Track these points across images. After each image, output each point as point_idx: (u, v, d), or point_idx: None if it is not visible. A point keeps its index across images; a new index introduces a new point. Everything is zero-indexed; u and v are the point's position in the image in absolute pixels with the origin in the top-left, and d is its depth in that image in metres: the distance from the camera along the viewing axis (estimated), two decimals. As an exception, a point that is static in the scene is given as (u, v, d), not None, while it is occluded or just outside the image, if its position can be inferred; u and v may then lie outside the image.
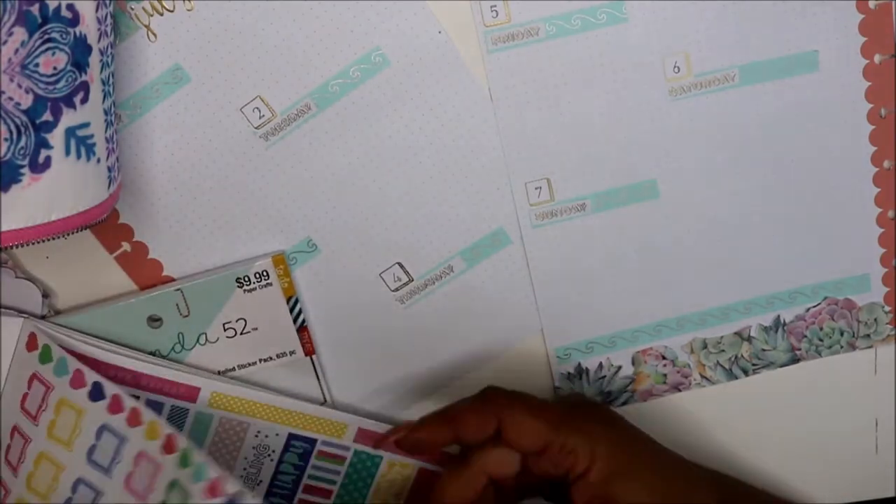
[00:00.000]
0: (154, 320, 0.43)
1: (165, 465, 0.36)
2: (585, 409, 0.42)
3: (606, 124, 0.43)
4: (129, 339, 0.43)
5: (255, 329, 0.43)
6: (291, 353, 0.44)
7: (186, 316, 0.43)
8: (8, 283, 0.42)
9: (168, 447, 0.36)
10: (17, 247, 0.34)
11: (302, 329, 0.44)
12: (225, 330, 0.43)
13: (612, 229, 0.44)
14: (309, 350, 0.44)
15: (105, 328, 0.43)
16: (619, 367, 0.46)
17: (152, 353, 0.43)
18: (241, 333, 0.43)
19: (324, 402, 0.45)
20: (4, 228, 0.33)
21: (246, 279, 0.43)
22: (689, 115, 0.43)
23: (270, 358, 0.44)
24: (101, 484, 0.38)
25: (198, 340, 0.43)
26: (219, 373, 0.44)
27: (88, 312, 0.43)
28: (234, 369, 0.44)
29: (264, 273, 0.43)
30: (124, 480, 0.37)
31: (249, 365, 0.44)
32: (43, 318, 0.43)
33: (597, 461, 0.38)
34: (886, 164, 0.44)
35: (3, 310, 0.42)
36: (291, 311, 0.43)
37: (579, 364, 0.46)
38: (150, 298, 0.43)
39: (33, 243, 0.34)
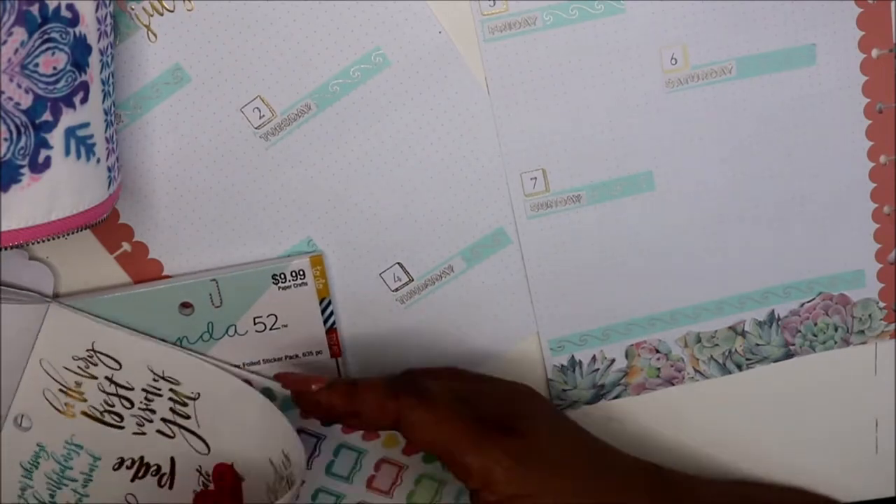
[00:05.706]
0: (186, 307, 0.43)
1: (410, 463, 0.45)
2: (503, 417, 0.39)
3: (603, 115, 0.43)
4: (158, 323, 0.43)
5: (286, 326, 0.43)
6: (318, 353, 0.44)
7: (219, 306, 0.43)
8: (20, 265, 0.42)
9: (407, 450, 0.45)
10: (16, 247, 0.34)
11: (331, 331, 0.44)
12: (255, 324, 0.43)
13: (608, 221, 0.44)
14: (336, 352, 0.44)
15: (135, 311, 0.43)
16: (613, 360, 0.46)
17: (179, 340, 0.43)
18: (271, 329, 0.43)
19: None
20: (4, 228, 0.33)
21: (282, 276, 0.43)
22: (686, 107, 0.43)
23: (297, 356, 0.44)
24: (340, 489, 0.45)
25: (227, 332, 0.43)
26: (243, 365, 0.44)
27: (119, 294, 0.42)
28: (259, 363, 0.44)
29: (301, 272, 0.43)
30: (366, 482, 0.45)
31: (275, 360, 0.44)
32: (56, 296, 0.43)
33: (491, 484, 0.37)
34: (883, 159, 0.45)
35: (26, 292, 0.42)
36: (323, 312, 0.43)
37: (572, 356, 0.46)
38: (184, 286, 0.42)
39: (33, 243, 0.34)
